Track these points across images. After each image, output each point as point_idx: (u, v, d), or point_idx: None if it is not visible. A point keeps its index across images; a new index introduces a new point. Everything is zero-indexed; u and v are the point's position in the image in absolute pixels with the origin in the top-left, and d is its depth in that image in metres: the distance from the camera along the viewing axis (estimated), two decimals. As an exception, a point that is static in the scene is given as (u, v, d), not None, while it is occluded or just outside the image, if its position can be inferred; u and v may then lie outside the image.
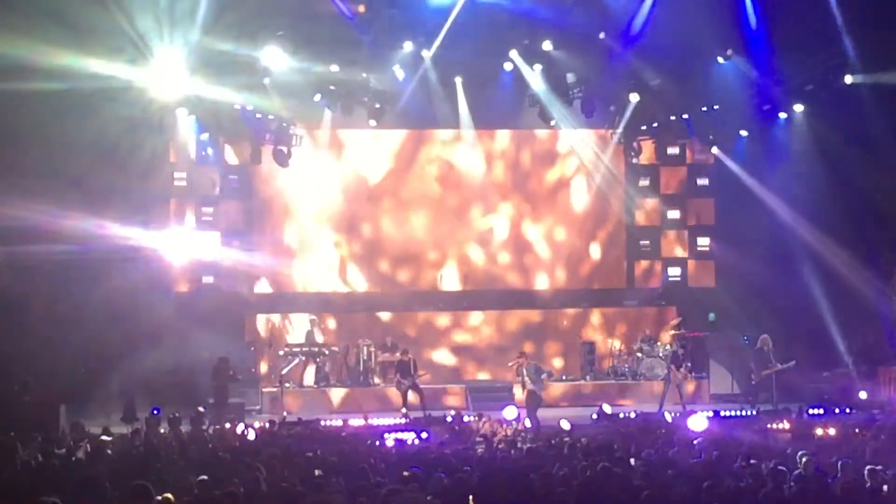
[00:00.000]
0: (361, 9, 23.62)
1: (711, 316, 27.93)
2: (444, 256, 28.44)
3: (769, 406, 23.71)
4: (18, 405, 21.17)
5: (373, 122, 26.62)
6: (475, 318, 28.20)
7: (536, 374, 23.26)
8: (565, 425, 19.75)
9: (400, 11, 23.96)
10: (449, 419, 21.63)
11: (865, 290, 25.69)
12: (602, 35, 24.68)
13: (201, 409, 21.04)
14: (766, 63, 25.13)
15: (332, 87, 25.69)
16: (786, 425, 19.96)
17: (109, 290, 23.81)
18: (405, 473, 12.84)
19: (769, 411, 22.89)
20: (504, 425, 21.07)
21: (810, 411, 22.13)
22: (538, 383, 23.06)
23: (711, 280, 28.86)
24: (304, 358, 25.95)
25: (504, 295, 28.63)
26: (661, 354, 26.38)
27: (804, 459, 13.56)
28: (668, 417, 21.63)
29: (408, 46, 24.69)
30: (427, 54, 24.94)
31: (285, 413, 23.53)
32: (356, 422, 21.56)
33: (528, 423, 21.37)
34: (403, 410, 23.95)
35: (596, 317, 28.50)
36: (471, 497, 11.82)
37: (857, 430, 18.74)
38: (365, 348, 26.19)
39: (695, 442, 16.40)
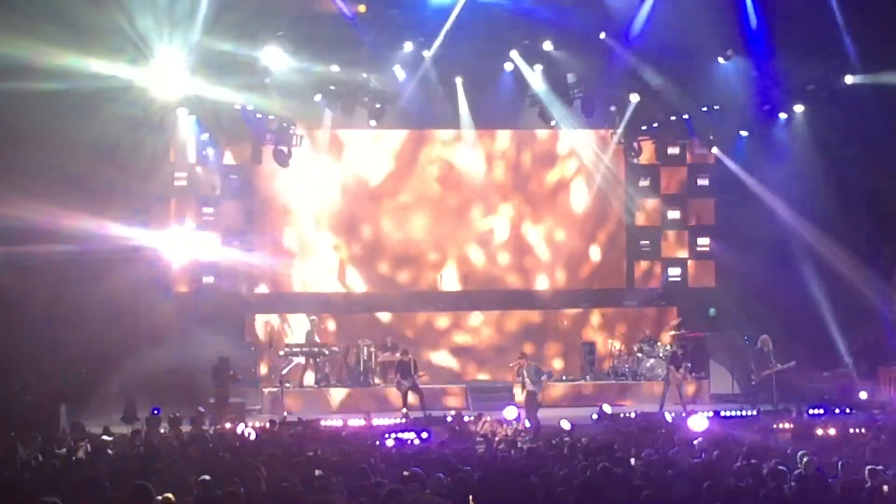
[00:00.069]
0: (362, 9, 23.63)
1: (712, 311, 27.97)
2: (444, 257, 28.43)
3: (769, 406, 23.72)
4: (19, 405, 21.20)
5: (373, 123, 26.61)
6: (475, 318, 28.19)
7: (536, 376, 23.28)
8: (565, 425, 19.75)
9: (400, 11, 23.99)
10: (449, 419, 21.62)
11: (865, 290, 25.72)
12: (602, 35, 24.71)
13: (201, 408, 21.07)
14: (766, 63, 25.15)
15: (332, 87, 25.68)
16: (786, 425, 19.96)
17: (110, 290, 23.82)
18: (405, 473, 12.84)
19: (769, 411, 22.88)
20: (504, 425, 21.09)
21: (810, 411, 22.12)
22: (537, 384, 23.09)
23: (711, 280, 28.86)
24: (304, 358, 25.94)
25: (504, 295, 28.63)
26: (661, 355, 26.37)
27: (804, 459, 13.57)
28: (669, 417, 21.63)
29: (408, 46, 24.70)
30: (427, 54, 24.95)
31: (286, 413, 23.53)
32: (356, 422, 21.58)
33: (527, 424, 21.38)
34: (403, 410, 23.95)
35: (596, 317, 28.49)
36: (471, 497, 11.81)
37: (857, 430, 18.74)
38: (365, 348, 26.19)
39: (695, 442, 16.41)
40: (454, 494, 11.89)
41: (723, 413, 22.65)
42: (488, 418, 21.39)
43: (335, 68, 24.69)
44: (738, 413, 23.06)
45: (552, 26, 24.48)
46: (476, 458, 15.23)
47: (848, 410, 22.63)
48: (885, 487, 12.38)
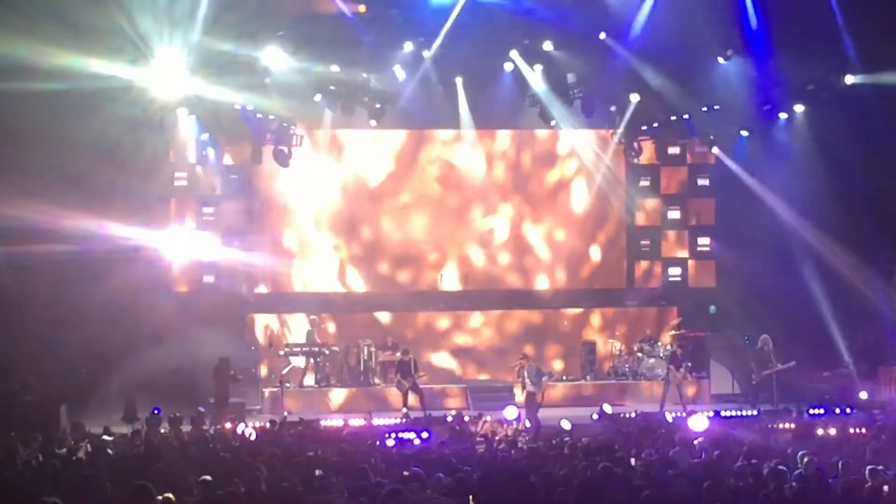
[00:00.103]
0: (362, 9, 23.63)
1: (712, 308, 27.97)
2: (444, 257, 28.42)
3: (770, 406, 23.71)
4: (19, 405, 21.20)
5: (373, 123, 26.58)
6: (475, 319, 28.19)
7: (537, 377, 23.30)
8: (566, 425, 19.75)
9: (400, 11, 23.97)
10: (449, 419, 21.62)
11: (865, 290, 25.72)
12: (602, 35, 24.70)
13: (202, 408, 21.06)
14: (766, 63, 25.14)
15: (332, 87, 25.66)
16: (787, 425, 19.96)
17: (110, 290, 23.83)
18: (405, 473, 12.84)
19: (770, 411, 22.87)
20: (504, 425, 21.09)
21: (811, 411, 22.11)
22: (537, 385, 23.09)
23: (712, 280, 28.86)
24: (304, 358, 25.93)
25: (504, 295, 28.62)
26: (661, 354, 26.37)
27: (805, 459, 13.57)
28: (669, 417, 21.63)
29: (408, 46, 24.69)
30: (427, 54, 24.93)
31: (286, 413, 23.53)
32: (356, 422, 21.57)
33: (528, 424, 21.39)
34: (404, 410, 23.94)
35: (596, 317, 28.49)
36: (471, 497, 11.81)
37: (857, 430, 18.74)
38: (365, 348, 26.18)
39: (695, 442, 16.41)
40: (454, 494, 11.89)
41: (723, 413, 22.64)
42: (488, 418, 21.39)
43: (335, 68, 24.68)
44: (739, 413, 23.05)
45: (552, 26, 24.47)
46: (476, 458, 15.24)
47: (848, 410, 22.62)
48: (886, 487, 12.39)
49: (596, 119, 27.23)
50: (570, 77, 26.07)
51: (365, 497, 11.28)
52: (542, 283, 28.80)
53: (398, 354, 25.25)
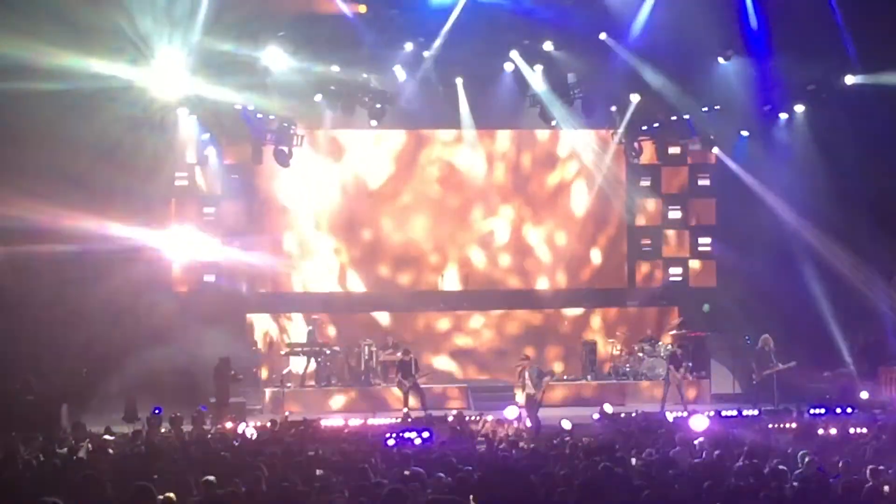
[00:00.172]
0: (362, 9, 23.65)
1: (705, 307, 27.91)
2: (444, 258, 28.41)
3: (770, 406, 23.70)
4: (20, 405, 21.22)
5: (373, 123, 26.58)
6: (476, 321, 28.17)
7: (538, 378, 23.29)
8: (566, 425, 19.75)
9: (400, 12, 23.98)
10: (450, 419, 21.61)
11: (866, 291, 25.71)
12: (602, 35, 24.71)
13: (202, 408, 21.07)
14: (766, 63, 25.16)
15: (332, 87, 25.67)
16: (787, 425, 19.96)
17: (110, 290, 23.84)
18: (406, 473, 12.84)
19: (770, 411, 22.87)
20: (505, 425, 21.09)
21: (811, 411, 22.11)
22: (537, 386, 23.09)
23: (712, 280, 28.85)
24: (305, 358, 25.93)
25: (505, 296, 28.60)
26: (662, 354, 26.36)
27: (806, 459, 13.58)
28: (670, 417, 21.63)
29: (408, 47, 24.70)
30: (427, 54, 24.94)
31: (287, 413, 23.52)
32: (357, 421, 21.57)
33: (528, 423, 21.39)
34: (404, 410, 23.94)
35: (597, 318, 28.47)
36: (472, 497, 11.81)
37: (858, 430, 18.74)
38: (366, 348, 26.18)
39: (696, 442, 16.41)
40: (455, 494, 11.87)
41: (724, 413, 22.62)
42: (489, 418, 21.38)
43: (335, 68, 24.69)
44: (739, 413, 23.03)
45: (552, 26, 24.48)
46: (477, 458, 15.23)
47: (849, 410, 22.63)
48: (886, 487, 12.39)
49: (596, 119, 27.26)
50: (571, 77, 26.07)
51: (365, 497, 11.28)
52: (542, 285, 28.76)
53: (399, 354, 25.25)
